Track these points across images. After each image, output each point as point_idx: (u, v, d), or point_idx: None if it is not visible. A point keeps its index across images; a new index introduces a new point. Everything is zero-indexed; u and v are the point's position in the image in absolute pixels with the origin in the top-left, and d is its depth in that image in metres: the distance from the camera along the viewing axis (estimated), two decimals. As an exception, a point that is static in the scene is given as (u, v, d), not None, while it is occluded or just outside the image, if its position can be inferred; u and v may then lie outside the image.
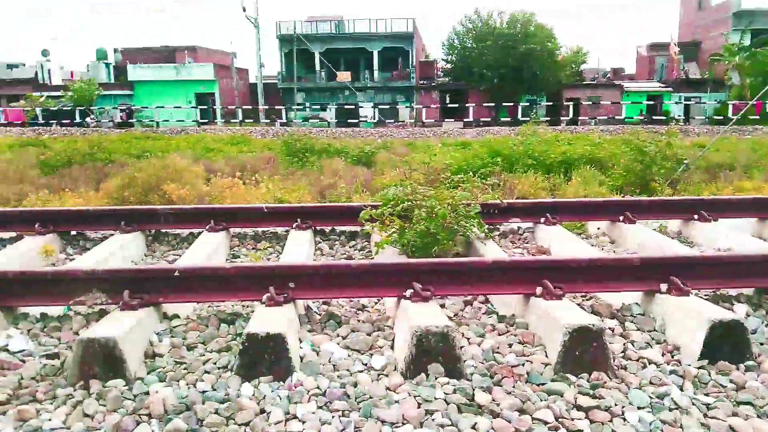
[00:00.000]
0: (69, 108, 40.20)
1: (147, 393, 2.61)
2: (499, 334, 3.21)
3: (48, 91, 45.59)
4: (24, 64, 53.03)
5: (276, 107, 41.07)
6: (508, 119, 37.59)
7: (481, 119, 38.90)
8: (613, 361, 2.90)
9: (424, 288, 3.25)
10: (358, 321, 3.41)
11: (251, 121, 39.73)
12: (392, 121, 40.02)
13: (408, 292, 3.27)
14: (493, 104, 40.23)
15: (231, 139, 27.47)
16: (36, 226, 5.15)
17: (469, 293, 3.60)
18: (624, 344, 3.12)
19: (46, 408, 2.53)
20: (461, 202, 4.66)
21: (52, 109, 40.47)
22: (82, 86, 41.88)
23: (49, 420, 2.44)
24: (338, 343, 3.10)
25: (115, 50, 52.97)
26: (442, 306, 3.53)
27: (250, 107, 42.27)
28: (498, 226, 5.57)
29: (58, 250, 5.05)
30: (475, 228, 4.71)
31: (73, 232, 5.39)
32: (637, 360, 2.98)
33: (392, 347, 3.09)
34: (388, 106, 43.34)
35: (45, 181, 12.81)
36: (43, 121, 38.19)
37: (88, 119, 38.89)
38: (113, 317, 3.03)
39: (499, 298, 3.65)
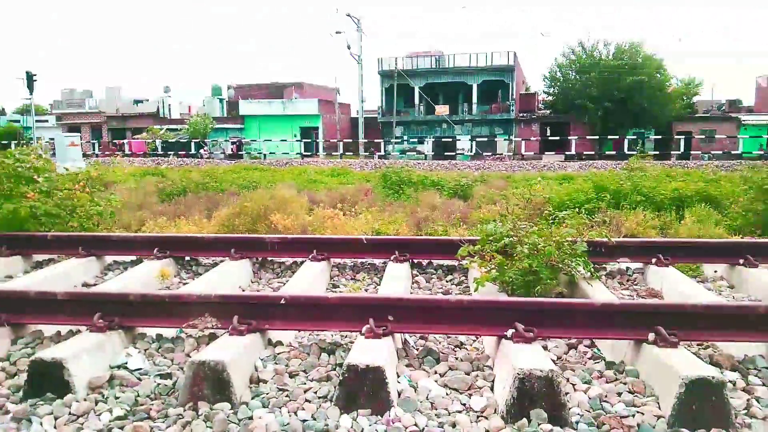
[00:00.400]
0: (185, 140, 43.29)
1: (251, 418, 2.70)
2: (607, 382, 3.04)
3: (167, 124, 49.44)
4: (148, 100, 57.89)
5: (375, 140, 42.03)
6: (613, 153, 36.16)
7: (584, 153, 37.67)
8: (735, 418, 2.66)
9: (526, 328, 3.15)
10: (456, 359, 3.36)
11: (351, 153, 40.87)
12: (490, 153, 39.69)
13: (509, 332, 3.19)
14: (596, 137, 38.90)
15: (331, 171, 28.35)
16: (155, 251, 5.53)
17: (574, 336, 3.45)
18: (747, 400, 2.86)
19: (158, 426, 2.67)
20: (566, 239, 4.50)
21: (170, 141, 43.80)
22: (197, 120, 45.07)
23: (162, 438, 2.57)
24: (436, 381, 3.06)
25: (229, 86, 56.66)
26: (544, 348, 3.40)
27: (351, 140, 43.53)
28: (605, 266, 5.32)
29: (173, 274, 5.39)
30: (580, 267, 4.52)
31: (187, 258, 5.73)
32: (764, 419, 2.72)
33: (492, 388, 3.00)
34: (485, 139, 43.10)
35: (162, 208, 13.77)
36: (162, 152, 41.39)
37: (201, 151, 41.64)
38: (222, 341, 3.17)
39: (607, 343, 3.46)
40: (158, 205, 14.99)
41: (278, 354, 3.33)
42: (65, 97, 57.90)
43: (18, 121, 60.43)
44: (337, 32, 41.70)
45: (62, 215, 6.30)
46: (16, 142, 39.96)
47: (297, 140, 44.86)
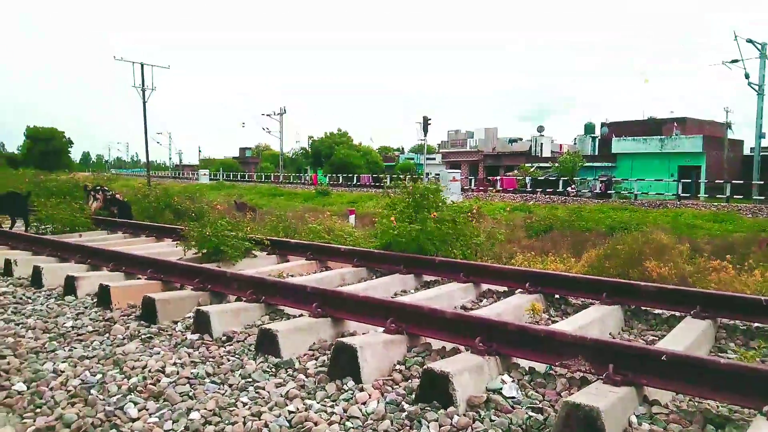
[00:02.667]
0: (554, 178, 44.12)
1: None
2: None
3: (538, 162, 51.26)
4: (521, 139, 61.17)
5: (775, 182, 35.60)
6: None
7: None
8: None
9: None
10: None
11: (741, 197, 35.52)
12: None
13: None
14: None
15: (714, 215, 25.17)
16: (526, 284, 5.76)
17: None
18: None
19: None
20: None
21: (539, 178, 45.21)
22: (567, 158, 45.54)
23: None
24: None
25: (602, 124, 55.76)
26: None
27: (741, 182, 37.83)
28: None
29: (542, 310, 5.51)
30: None
31: (557, 295, 5.79)
32: None
33: None
34: None
35: (530, 243, 14.32)
36: (530, 189, 42.98)
37: (569, 189, 41.79)
38: (596, 388, 3.09)
39: None
40: (526, 239, 15.63)
41: (655, 414, 3.08)
42: (450, 137, 65.62)
43: (412, 159, 71.25)
44: (732, 61, 37.02)
45: (450, 242, 7.12)
46: (410, 175, 47.21)
47: (674, 180, 41.14)
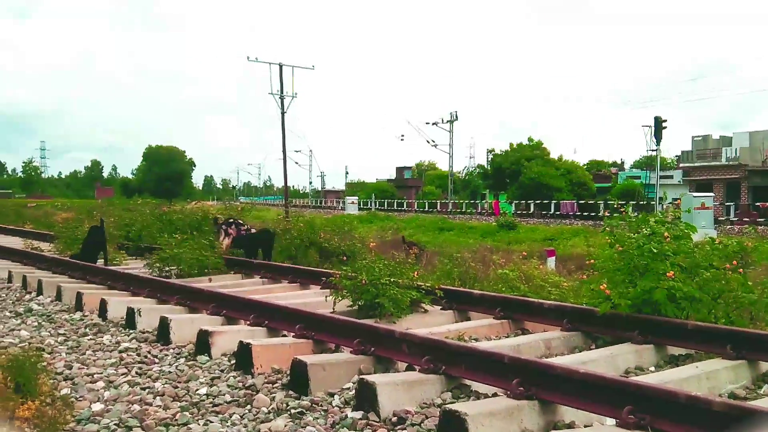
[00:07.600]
0: None
1: None
2: None
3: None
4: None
5: None
6: None
7: None
8: None
9: None
10: None
11: None
12: None
13: None
14: None
15: None
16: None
17: None
18: None
19: None
20: None
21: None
22: None
23: None
24: None
25: None
26: None
27: None
28: None
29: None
30: None
31: None
32: None
33: None
34: None
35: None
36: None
37: None
38: None
39: None
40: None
41: None
42: (697, 146, 61.38)
43: (638, 177, 68.11)
44: None
45: (705, 300, 6.69)
46: (634, 202, 44.87)
47: None
